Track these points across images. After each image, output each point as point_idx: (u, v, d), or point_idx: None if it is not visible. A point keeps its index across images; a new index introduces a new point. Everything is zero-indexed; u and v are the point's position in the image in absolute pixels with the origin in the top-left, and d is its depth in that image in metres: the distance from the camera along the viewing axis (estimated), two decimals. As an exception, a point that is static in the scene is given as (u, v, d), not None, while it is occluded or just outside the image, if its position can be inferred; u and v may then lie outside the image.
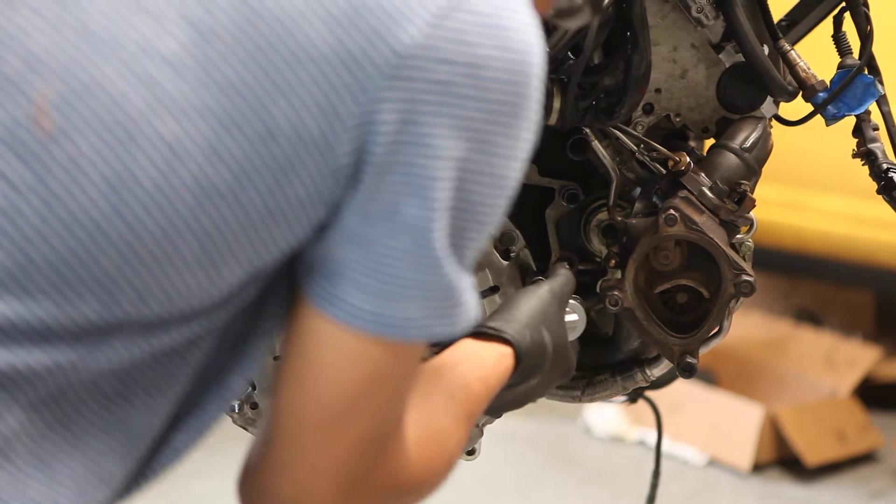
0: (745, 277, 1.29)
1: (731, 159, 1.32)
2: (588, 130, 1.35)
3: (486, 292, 1.37)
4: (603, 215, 1.39)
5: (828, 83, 1.37)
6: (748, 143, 1.33)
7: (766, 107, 1.37)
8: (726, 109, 1.37)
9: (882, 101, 1.37)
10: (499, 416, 1.26)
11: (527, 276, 1.38)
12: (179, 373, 0.87)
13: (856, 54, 1.38)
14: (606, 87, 1.29)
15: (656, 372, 1.40)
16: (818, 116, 1.38)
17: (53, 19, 0.82)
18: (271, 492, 0.90)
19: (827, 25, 1.40)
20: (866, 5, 1.37)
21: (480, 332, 1.09)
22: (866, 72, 1.37)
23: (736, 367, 3.83)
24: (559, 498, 3.39)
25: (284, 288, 0.90)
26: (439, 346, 1.05)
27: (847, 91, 1.36)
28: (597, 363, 1.42)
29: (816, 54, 1.39)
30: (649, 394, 1.64)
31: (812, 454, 3.48)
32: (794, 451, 3.48)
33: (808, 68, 1.36)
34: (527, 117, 0.87)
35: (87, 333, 0.81)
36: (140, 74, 0.81)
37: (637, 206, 1.35)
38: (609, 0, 1.16)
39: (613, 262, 1.34)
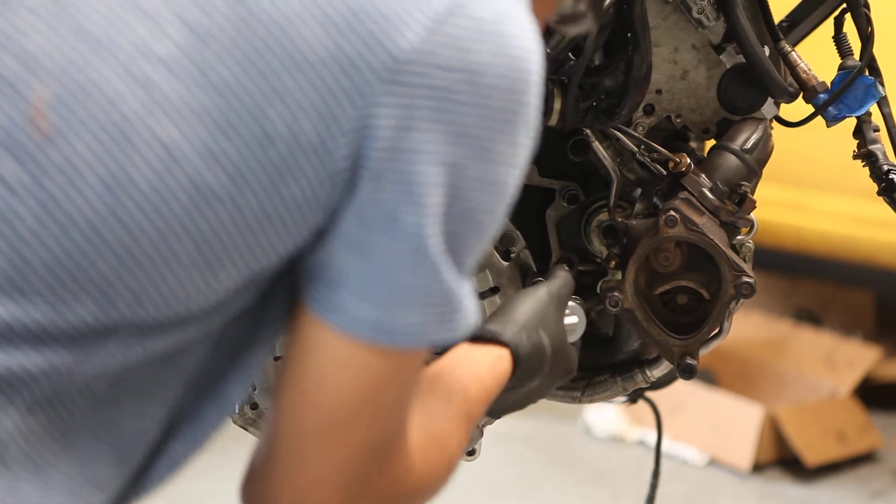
0: (746, 279, 1.29)
1: (731, 161, 1.32)
2: (589, 131, 1.35)
3: (487, 293, 1.36)
4: (603, 216, 1.38)
5: (828, 84, 1.37)
6: (749, 145, 1.33)
7: (767, 108, 1.37)
8: (727, 111, 1.37)
9: (883, 103, 1.37)
10: (499, 418, 1.26)
11: (527, 277, 1.37)
12: (171, 377, 0.86)
13: (857, 55, 1.38)
14: (607, 88, 1.29)
15: (656, 373, 1.40)
16: (819, 117, 1.38)
17: (50, 19, 0.82)
18: (273, 497, 0.90)
19: (828, 26, 1.40)
20: (867, 6, 1.37)
21: (478, 336, 1.09)
22: (867, 73, 1.37)
23: (736, 367, 3.83)
24: (559, 498, 3.39)
25: (285, 296, 0.90)
26: (438, 351, 1.05)
27: (848, 92, 1.36)
28: (597, 364, 1.42)
29: (817, 55, 1.39)
30: (649, 394, 1.64)
31: (812, 454, 3.48)
32: (794, 451, 3.48)
33: (809, 69, 1.36)
34: (525, 124, 0.86)
35: (83, 336, 0.81)
36: (136, 75, 0.80)
37: (637, 207, 1.35)
38: (610, 2, 1.16)
39: (614, 262, 1.34)
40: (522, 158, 0.87)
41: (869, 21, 1.37)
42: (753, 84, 1.35)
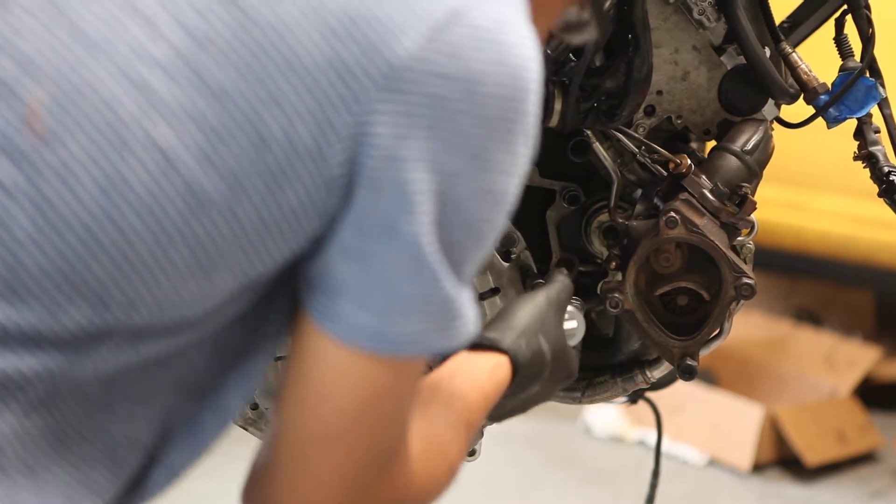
0: (746, 280, 1.29)
1: (732, 162, 1.32)
2: (589, 132, 1.35)
3: (487, 294, 1.36)
4: (604, 217, 1.38)
5: (829, 86, 1.37)
6: (749, 146, 1.33)
7: (768, 109, 1.37)
8: (728, 112, 1.37)
9: (883, 104, 1.37)
10: (500, 422, 1.26)
11: (528, 278, 1.37)
12: (164, 382, 0.86)
13: (857, 57, 1.38)
14: (608, 89, 1.29)
15: (657, 374, 1.40)
16: (819, 119, 1.38)
17: (46, 21, 0.82)
18: (275, 501, 0.90)
19: (829, 28, 1.40)
20: (868, 8, 1.37)
21: (477, 343, 1.08)
22: (868, 74, 1.37)
23: (736, 367, 3.83)
24: (559, 498, 3.39)
25: (287, 304, 0.89)
26: (438, 359, 1.05)
27: (848, 94, 1.36)
28: (597, 365, 1.42)
29: (818, 57, 1.39)
30: (649, 394, 1.64)
31: (812, 454, 3.48)
32: (794, 451, 3.48)
33: (810, 71, 1.36)
34: (524, 132, 0.85)
35: (78, 339, 0.81)
36: (132, 77, 0.80)
37: (638, 208, 1.34)
38: (610, 3, 1.16)
39: (614, 263, 1.34)
40: (521, 167, 0.87)
41: (870, 22, 1.37)
42: (754, 85, 1.35)
